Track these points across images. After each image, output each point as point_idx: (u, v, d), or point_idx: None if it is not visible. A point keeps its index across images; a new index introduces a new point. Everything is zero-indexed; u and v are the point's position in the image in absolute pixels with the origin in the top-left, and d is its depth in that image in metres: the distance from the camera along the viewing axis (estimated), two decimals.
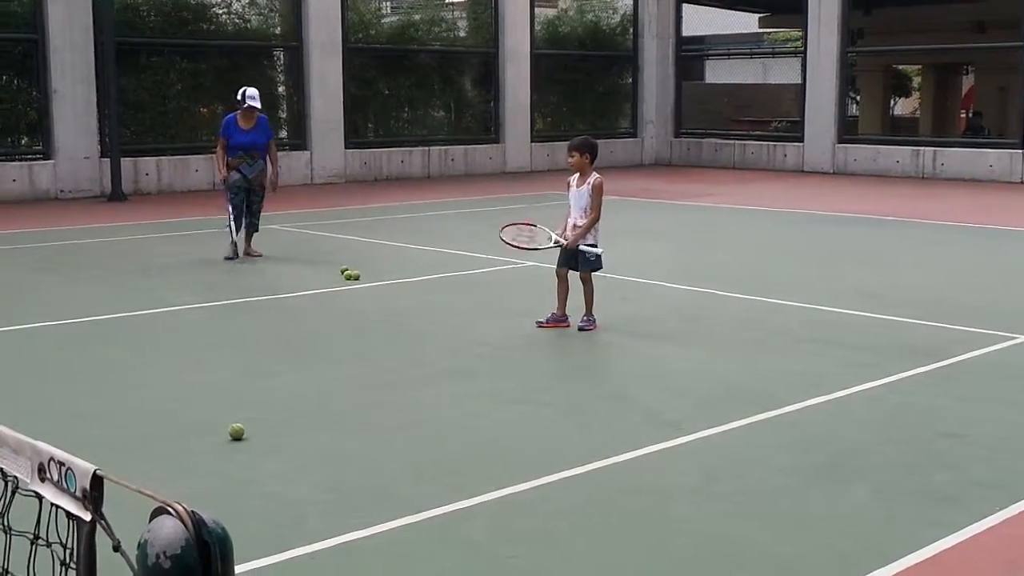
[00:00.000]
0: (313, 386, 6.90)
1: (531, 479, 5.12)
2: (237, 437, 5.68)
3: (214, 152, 19.69)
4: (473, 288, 10.47)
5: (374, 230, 14.44)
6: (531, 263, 11.27)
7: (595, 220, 8.44)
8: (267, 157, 12.08)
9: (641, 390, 6.85)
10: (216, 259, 11.86)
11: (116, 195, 17.84)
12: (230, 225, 11.76)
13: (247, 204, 11.90)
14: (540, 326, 8.47)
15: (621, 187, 18.80)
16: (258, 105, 11.89)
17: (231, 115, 12.04)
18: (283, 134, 21.83)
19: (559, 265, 8.55)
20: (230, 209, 11.80)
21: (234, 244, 11.71)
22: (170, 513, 1.44)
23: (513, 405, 6.46)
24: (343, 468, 5.34)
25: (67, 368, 7.39)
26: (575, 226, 8.47)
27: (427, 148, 23.00)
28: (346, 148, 21.52)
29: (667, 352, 7.87)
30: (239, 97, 11.89)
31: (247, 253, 11.87)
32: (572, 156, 8.54)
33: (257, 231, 12.13)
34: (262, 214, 12.22)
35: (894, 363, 7.33)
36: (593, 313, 8.46)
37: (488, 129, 24.37)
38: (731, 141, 26.22)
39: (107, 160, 18.11)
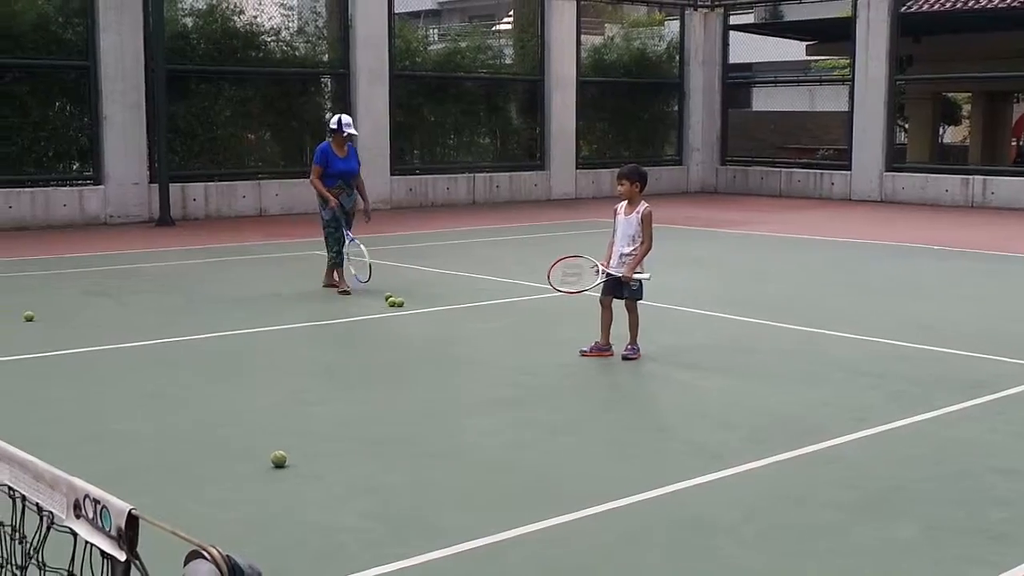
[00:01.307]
0: (357, 413, 6.90)
1: (574, 511, 5.07)
2: (279, 464, 5.68)
3: (259, 179, 20.13)
4: (517, 315, 10.45)
5: (419, 257, 14.47)
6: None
7: (647, 250, 8.41)
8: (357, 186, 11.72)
9: (686, 421, 6.78)
10: (263, 284, 11.93)
11: (164, 220, 18.03)
12: (344, 256, 11.36)
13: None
14: (584, 355, 8.43)
15: (667, 215, 18.71)
16: (355, 131, 11.51)
17: (325, 143, 11.51)
18: None
19: (603, 294, 8.50)
20: (347, 236, 11.35)
21: (353, 274, 11.36)
22: (205, 557, 1.42)
23: (557, 435, 6.42)
24: (385, 497, 5.31)
25: (117, 391, 7.44)
26: (621, 255, 8.42)
27: (472, 175, 23.07)
28: (392, 175, 21.62)
29: (713, 383, 7.79)
30: (334, 125, 11.42)
31: (332, 285, 11.46)
32: (622, 184, 8.49)
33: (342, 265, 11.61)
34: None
35: (944, 396, 7.21)
36: (638, 342, 8.40)
37: (533, 156, 24.41)
38: (778, 169, 26.08)
39: (156, 186, 18.34)
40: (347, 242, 11.40)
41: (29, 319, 9.68)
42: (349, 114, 20.83)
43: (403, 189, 21.83)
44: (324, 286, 11.55)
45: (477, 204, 22.77)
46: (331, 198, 11.31)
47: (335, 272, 11.51)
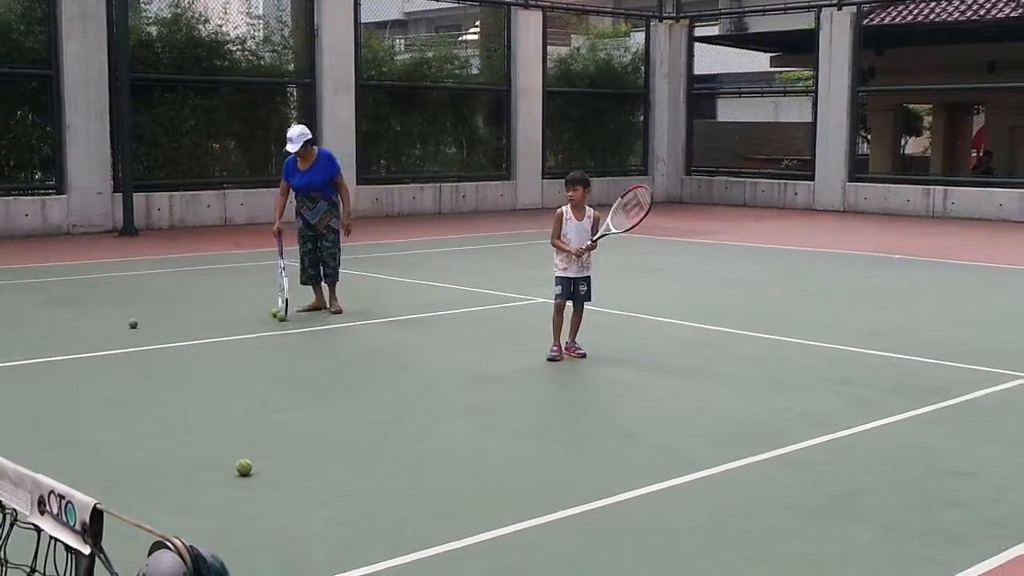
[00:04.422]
0: (323, 422, 6.90)
1: (539, 516, 5.10)
2: (245, 473, 5.68)
3: (224, 188, 20.05)
4: (481, 324, 10.48)
5: (385, 266, 14.47)
6: (540, 300, 11.28)
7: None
8: (335, 197, 10.81)
9: (650, 427, 6.83)
10: (227, 293, 11.89)
11: (128, 230, 17.93)
12: (279, 279, 10.41)
13: (319, 251, 10.72)
14: (558, 359, 8.54)
15: None
16: (292, 149, 10.45)
17: (291, 155, 10.67)
18: None
19: (564, 297, 8.65)
20: (281, 261, 10.49)
21: (285, 301, 10.30)
22: (169, 547, 1.45)
23: (522, 441, 6.46)
24: (351, 504, 5.33)
25: (77, 401, 7.41)
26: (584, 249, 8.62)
27: (439, 184, 23.10)
28: (358, 184, 21.58)
29: (676, 389, 7.86)
30: None
31: (329, 308, 10.66)
32: (575, 190, 8.68)
33: (335, 280, 10.79)
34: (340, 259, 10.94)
35: (903, 402, 7.31)
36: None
37: (500, 166, 24.47)
38: (742, 179, 26.29)
39: (119, 195, 18.23)
40: (282, 273, 10.43)
41: None
42: (316, 123, 20.97)
43: (369, 198, 21.83)
44: (317, 307, 10.75)
45: (443, 214, 22.81)
46: (275, 220, 10.69)
47: (331, 293, 10.82)
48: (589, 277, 8.73)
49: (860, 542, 4.84)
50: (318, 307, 10.82)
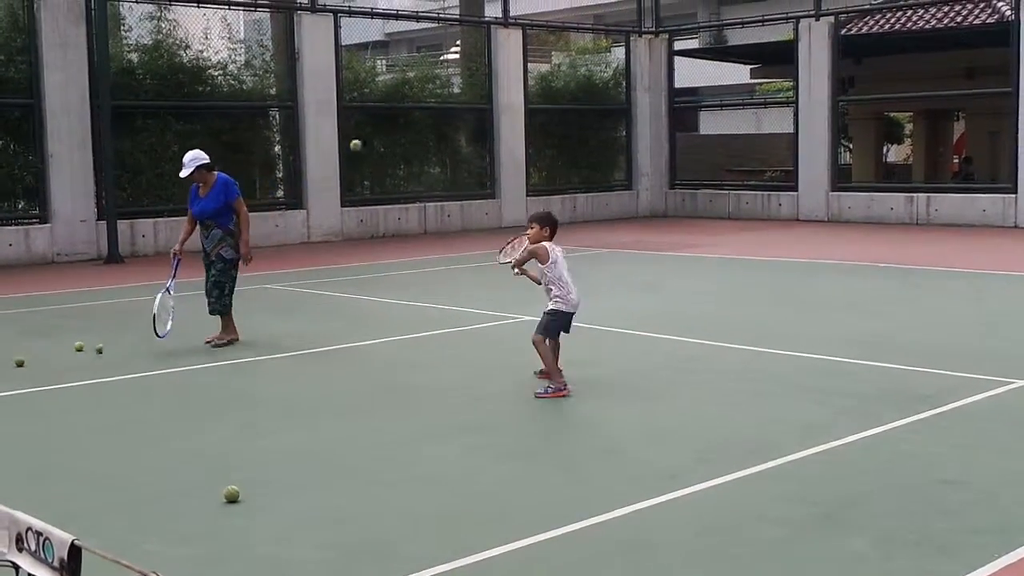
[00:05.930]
0: (311, 445, 6.88)
1: (530, 535, 5.08)
2: (232, 500, 5.65)
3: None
4: (468, 343, 10.47)
5: (371, 287, 14.46)
6: (528, 318, 11.28)
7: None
8: (232, 226, 10.32)
9: (637, 443, 6.82)
10: (212, 319, 11.85)
11: (113, 258, 17.91)
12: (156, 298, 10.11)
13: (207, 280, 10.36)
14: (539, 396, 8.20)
15: (616, 240, 18.87)
16: (183, 174, 10.21)
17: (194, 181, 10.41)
18: (279, 193, 21.96)
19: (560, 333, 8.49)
20: (169, 281, 10.31)
21: (154, 317, 10.02)
22: None
23: (511, 461, 6.44)
24: (341, 527, 5.31)
25: (62, 432, 7.36)
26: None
27: (423, 204, 23.11)
28: (342, 206, 21.62)
29: (663, 404, 7.85)
30: None
31: (207, 341, 10.29)
32: (544, 231, 8.59)
33: (222, 313, 10.31)
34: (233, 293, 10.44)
35: (891, 411, 7.32)
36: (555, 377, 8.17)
37: (484, 184, 24.49)
38: (726, 191, 26.36)
39: (104, 223, 18.20)
40: (162, 292, 10.21)
41: None
42: (299, 146, 20.97)
43: (354, 220, 21.83)
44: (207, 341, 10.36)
45: (428, 234, 22.81)
46: (175, 247, 10.44)
47: (223, 326, 10.42)
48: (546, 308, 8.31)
49: (852, 553, 4.83)
50: (233, 338, 10.38)
